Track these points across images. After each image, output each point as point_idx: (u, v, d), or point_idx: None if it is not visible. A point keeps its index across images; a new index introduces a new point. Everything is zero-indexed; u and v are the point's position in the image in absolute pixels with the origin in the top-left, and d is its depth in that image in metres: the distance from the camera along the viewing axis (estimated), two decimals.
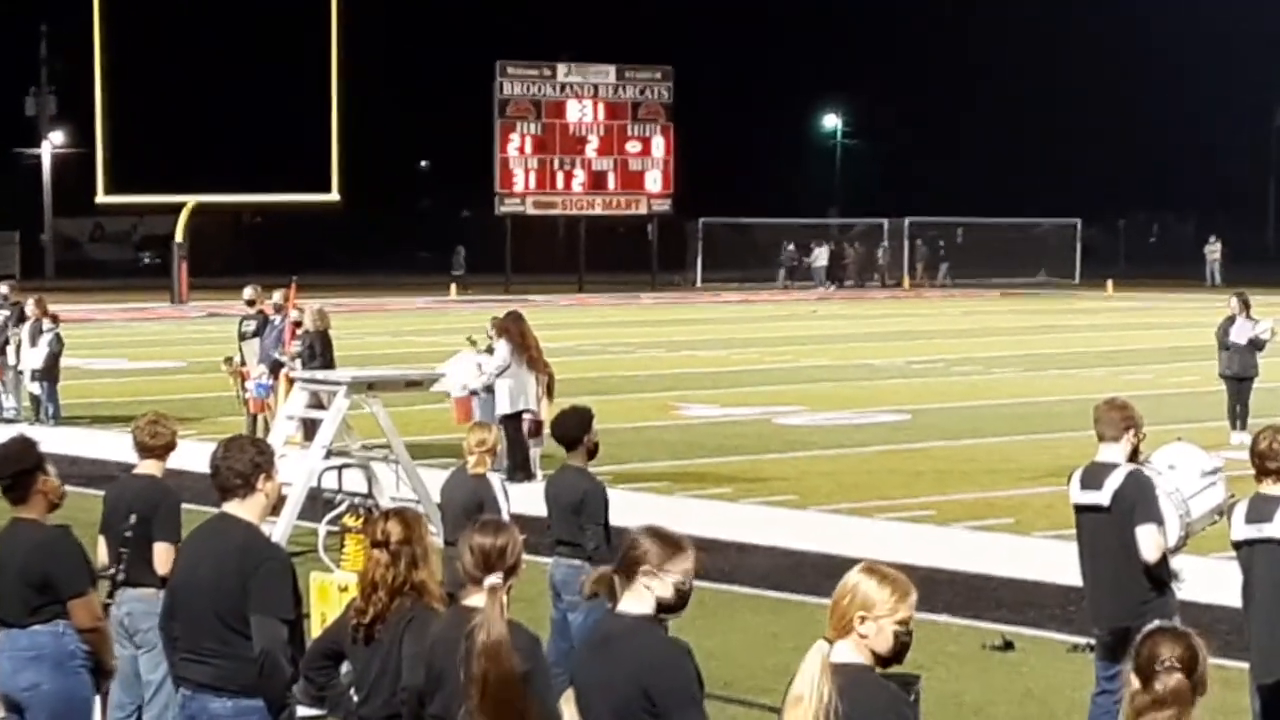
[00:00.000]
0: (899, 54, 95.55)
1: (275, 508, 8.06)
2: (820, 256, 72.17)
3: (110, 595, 9.45)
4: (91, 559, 8.69)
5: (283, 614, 7.18)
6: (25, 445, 8.58)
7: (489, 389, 20.28)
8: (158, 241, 74.66)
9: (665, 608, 6.09)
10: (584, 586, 6.83)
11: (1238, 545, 9.24)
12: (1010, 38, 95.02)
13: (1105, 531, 9.69)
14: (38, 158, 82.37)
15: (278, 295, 23.30)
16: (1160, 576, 9.66)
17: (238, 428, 21.32)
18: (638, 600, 6.09)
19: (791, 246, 72.62)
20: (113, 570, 9.56)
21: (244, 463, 7.34)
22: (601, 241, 70.93)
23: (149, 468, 9.78)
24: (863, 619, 5.57)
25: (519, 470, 19.67)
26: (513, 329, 20.29)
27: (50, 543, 8.27)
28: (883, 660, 5.62)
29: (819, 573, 15.23)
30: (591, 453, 10.97)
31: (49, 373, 25.53)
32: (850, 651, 5.58)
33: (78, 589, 8.23)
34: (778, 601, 14.30)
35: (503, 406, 20.04)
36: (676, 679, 6.03)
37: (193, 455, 14.60)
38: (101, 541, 9.73)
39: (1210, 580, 11.88)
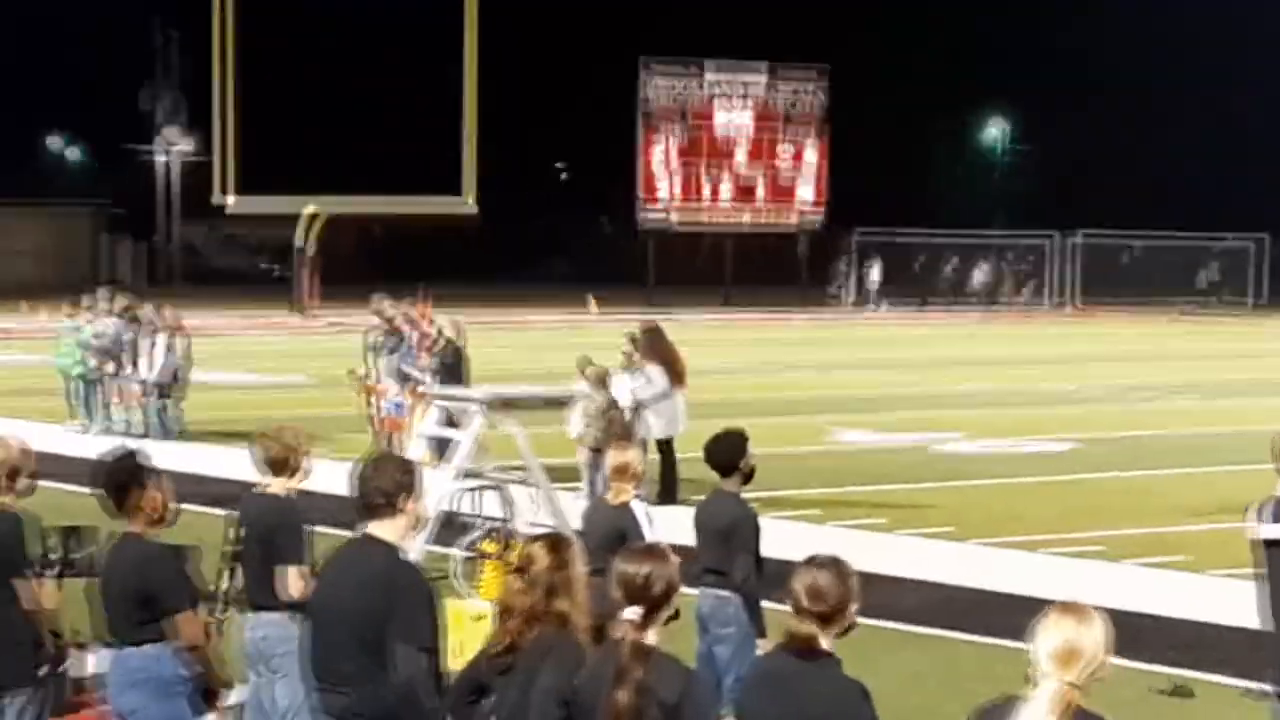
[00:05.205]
0: (1069, 57, 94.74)
1: None
2: (980, 274, 71.91)
3: (223, 613, 9.60)
4: (203, 577, 8.92)
5: (425, 643, 7.28)
6: (121, 461, 8.82)
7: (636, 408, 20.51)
8: (283, 249, 75.57)
9: None
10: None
11: None
12: (1190, 41, 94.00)
13: None
14: (166, 159, 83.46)
15: (409, 308, 23.51)
16: None
17: (364, 446, 21.53)
18: None
19: (955, 262, 72.20)
20: (224, 588, 9.70)
21: (389, 481, 7.49)
22: (748, 254, 70.76)
23: (274, 485, 9.69)
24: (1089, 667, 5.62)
25: (667, 494, 19.85)
26: (661, 347, 20.63)
27: (149, 559, 8.59)
28: None
29: (970, 609, 15.26)
30: (747, 478, 10.89)
31: (172, 386, 25.95)
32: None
33: (176, 605, 8.53)
34: (923, 638, 14.37)
35: (657, 430, 20.32)
36: None
37: (319, 475, 14.81)
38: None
39: None
